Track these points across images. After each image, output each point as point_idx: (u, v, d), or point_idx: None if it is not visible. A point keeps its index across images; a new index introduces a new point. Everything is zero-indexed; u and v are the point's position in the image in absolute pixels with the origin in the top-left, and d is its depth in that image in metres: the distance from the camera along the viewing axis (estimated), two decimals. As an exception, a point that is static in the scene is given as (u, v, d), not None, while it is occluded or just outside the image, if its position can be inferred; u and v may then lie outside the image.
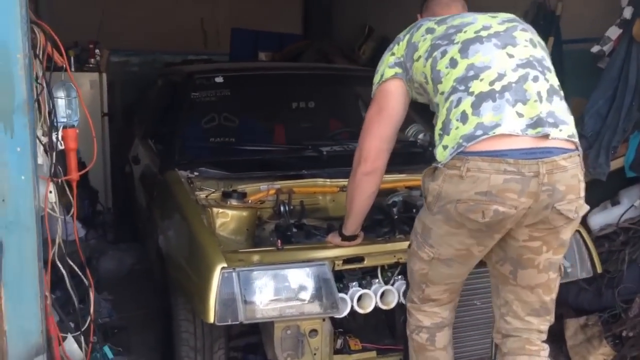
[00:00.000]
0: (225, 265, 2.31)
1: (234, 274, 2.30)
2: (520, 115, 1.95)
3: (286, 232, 2.66)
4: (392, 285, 2.54)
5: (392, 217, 2.77)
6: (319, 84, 4.05)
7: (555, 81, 2.09)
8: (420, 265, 2.23)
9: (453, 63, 2.06)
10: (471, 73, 2.02)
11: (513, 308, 2.20)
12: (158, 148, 3.70)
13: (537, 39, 2.17)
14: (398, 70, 2.24)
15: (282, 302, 2.35)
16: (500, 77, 1.99)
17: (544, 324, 2.22)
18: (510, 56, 2.04)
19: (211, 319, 2.27)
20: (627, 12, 3.55)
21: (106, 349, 2.49)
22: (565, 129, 1.99)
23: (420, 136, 3.64)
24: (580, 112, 3.66)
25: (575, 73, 4.02)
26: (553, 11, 4.31)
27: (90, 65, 5.53)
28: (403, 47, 2.24)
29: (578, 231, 2.75)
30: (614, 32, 3.64)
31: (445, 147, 2.01)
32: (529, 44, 2.10)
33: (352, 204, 2.41)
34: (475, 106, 1.97)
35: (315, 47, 7.20)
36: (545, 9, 4.35)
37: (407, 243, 2.48)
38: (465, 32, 2.11)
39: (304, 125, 3.93)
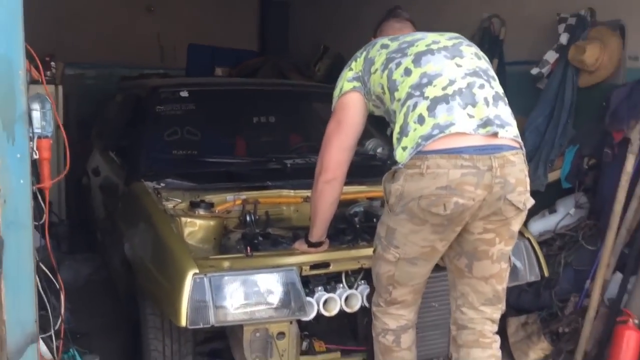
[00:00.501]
0: (197, 271, 2.39)
1: (205, 279, 2.38)
2: (470, 116, 2.12)
3: (253, 240, 2.76)
4: (356, 289, 2.66)
5: (354, 226, 2.91)
6: (280, 100, 4.17)
7: (499, 89, 2.27)
8: (386, 267, 2.34)
9: (407, 72, 2.22)
10: (425, 80, 2.19)
11: (469, 299, 2.34)
12: (122, 160, 3.74)
13: (481, 53, 2.36)
14: (356, 84, 2.39)
15: (252, 306, 2.44)
16: (451, 83, 2.17)
17: (496, 312, 2.37)
18: (459, 66, 2.23)
19: (183, 323, 2.34)
20: (564, 38, 3.82)
21: (74, 351, 2.52)
22: (510, 130, 2.17)
23: (379, 150, 3.83)
24: (521, 129, 3.88)
25: (517, 93, 4.25)
26: (497, 35, 4.58)
27: (46, 78, 5.48)
28: (360, 62, 2.40)
29: (527, 238, 2.96)
30: (551, 56, 3.90)
31: (404, 149, 2.15)
32: (474, 56, 2.30)
33: (316, 211, 2.54)
34: (431, 109, 2.13)
35: (272, 64, 7.33)
36: (490, 33, 4.62)
37: (369, 249, 2.63)
38: (417, 45, 2.29)
39: (266, 139, 4.04)
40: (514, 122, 2.23)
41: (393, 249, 2.29)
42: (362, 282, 2.69)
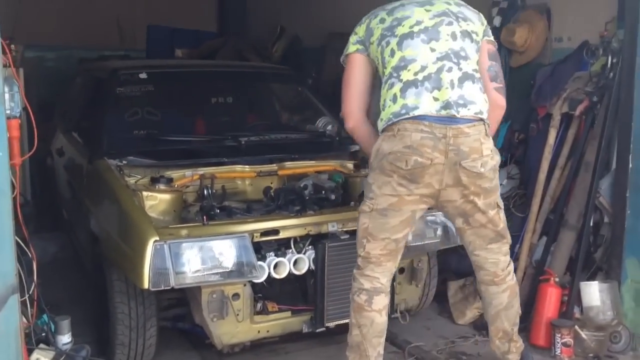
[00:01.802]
0: (157, 238, 2.64)
1: (165, 245, 2.63)
2: (436, 99, 2.50)
3: (210, 211, 3.00)
4: (304, 254, 2.95)
5: (303, 197, 3.18)
6: (236, 81, 4.38)
7: (468, 68, 2.58)
8: (362, 220, 2.64)
9: (392, 53, 2.59)
10: (402, 64, 2.55)
11: (477, 244, 2.72)
12: (85, 140, 3.92)
13: (460, 29, 2.61)
14: (359, 47, 2.73)
15: (208, 269, 2.70)
16: (423, 69, 2.53)
17: (504, 245, 2.76)
18: (432, 50, 2.56)
19: (146, 285, 2.59)
20: (497, 21, 4.12)
21: (47, 317, 2.74)
22: (472, 108, 2.52)
23: (329, 127, 4.09)
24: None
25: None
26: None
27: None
28: (363, 28, 2.73)
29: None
30: (486, 38, 4.19)
31: (381, 120, 2.59)
32: (449, 37, 2.59)
33: (362, 141, 2.84)
34: (403, 91, 2.52)
35: (231, 45, 7.48)
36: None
37: (316, 217, 2.95)
38: (403, 26, 2.60)
39: (223, 118, 4.26)
40: (478, 99, 2.56)
41: (368, 200, 2.63)
42: (309, 247, 2.97)
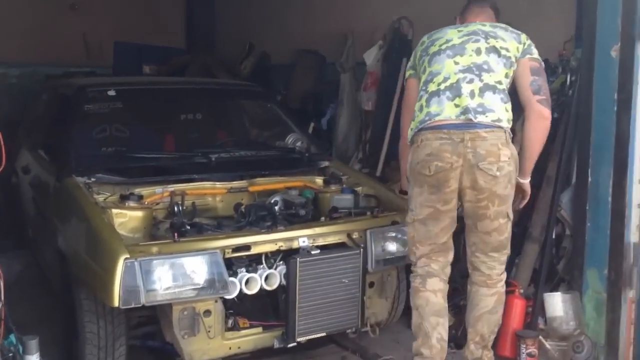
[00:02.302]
0: (128, 255, 2.63)
1: (135, 263, 2.63)
2: (457, 106, 2.77)
3: (180, 228, 3.01)
4: (275, 269, 2.97)
5: (274, 213, 3.21)
6: (206, 98, 4.41)
7: (491, 79, 2.80)
8: (409, 230, 2.95)
9: (424, 70, 2.95)
10: (429, 78, 2.90)
11: (480, 247, 2.93)
12: (52, 157, 3.89)
13: (486, 45, 2.84)
14: (412, 71, 3.11)
15: (179, 286, 2.71)
16: (445, 80, 2.83)
17: (503, 256, 2.96)
18: (456, 63, 2.84)
19: (116, 303, 2.58)
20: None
21: (13, 337, 2.69)
22: (490, 115, 2.75)
23: (298, 144, 4.14)
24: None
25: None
26: (406, 36, 4.98)
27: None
28: (413, 56, 3.10)
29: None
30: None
31: (411, 129, 2.90)
32: (474, 53, 2.84)
33: (401, 167, 3.20)
34: (427, 100, 2.84)
35: (199, 62, 7.51)
36: (400, 34, 5.03)
37: (287, 233, 2.98)
38: (435, 45, 2.95)
39: (193, 135, 4.28)
40: (498, 108, 2.77)
41: (410, 212, 2.94)
42: (280, 262, 3.00)
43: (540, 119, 2.84)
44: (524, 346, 3.27)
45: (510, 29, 2.95)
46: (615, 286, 3.21)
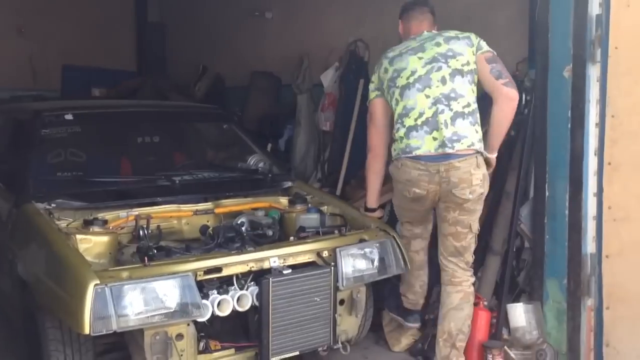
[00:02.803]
0: (98, 281, 2.57)
1: (106, 289, 2.57)
2: (435, 139, 3.12)
3: (147, 252, 2.96)
4: (247, 290, 2.95)
5: (242, 234, 3.20)
6: (167, 120, 4.37)
7: (459, 107, 3.12)
8: (402, 229, 3.55)
9: (396, 102, 3.26)
10: (404, 112, 3.21)
11: (441, 250, 3.34)
12: (6, 183, 3.76)
13: (449, 71, 3.14)
14: (377, 92, 3.40)
15: (152, 311, 2.65)
16: (421, 115, 3.16)
17: (460, 262, 3.32)
18: (427, 97, 3.16)
19: (87, 331, 2.51)
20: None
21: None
22: (465, 142, 3.10)
23: (260, 165, 4.15)
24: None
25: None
26: (362, 57, 5.09)
27: None
28: (377, 77, 3.38)
29: (392, 236, 3.39)
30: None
31: (394, 150, 3.28)
32: (440, 83, 3.15)
33: (369, 182, 3.55)
34: (406, 134, 3.20)
35: (150, 84, 7.44)
36: (356, 56, 5.13)
37: (256, 254, 2.99)
38: (401, 77, 3.22)
39: (154, 158, 4.22)
40: (469, 133, 3.12)
41: (404, 220, 3.53)
42: (252, 283, 2.98)
43: (508, 101, 3.11)
44: (490, 356, 3.35)
45: (460, 34, 3.24)
46: (574, 295, 3.33)
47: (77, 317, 2.54)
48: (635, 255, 3.22)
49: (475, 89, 3.19)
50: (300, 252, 3.14)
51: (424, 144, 3.11)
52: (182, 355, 2.82)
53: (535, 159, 3.56)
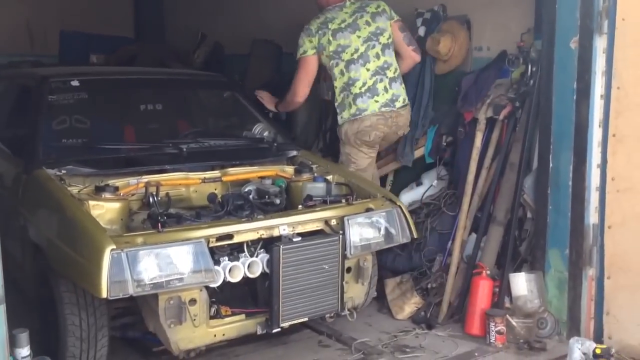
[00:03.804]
0: (115, 247, 2.62)
1: (122, 254, 2.62)
2: (377, 101, 3.96)
3: (158, 219, 3.00)
4: (257, 257, 3.01)
5: (250, 202, 3.23)
6: (173, 88, 4.36)
7: (390, 74, 4.00)
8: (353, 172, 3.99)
9: (341, 73, 4.00)
10: (350, 82, 3.98)
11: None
12: (14, 150, 3.77)
13: (380, 47, 3.99)
14: (315, 51, 4.03)
15: (166, 276, 2.71)
16: (364, 84, 3.95)
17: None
18: (367, 70, 3.97)
19: (104, 295, 2.57)
20: (421, 31, 4.35)
21: None
22: (400, 100, 4.03)
23: (265, 133, 4.17)
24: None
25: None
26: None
27: None
28: (317, 40, 4.01)
29: (399, 206, 3.44)
30: (412, 46, 4.44)
31: (342, 117, 4.02)
32: (375, 58, 3.97)
33: (286, 107, 4.36)
34: (354, 100, 3.96)
35: (149, 51, 7.36)
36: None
37: (266, 221, 3.03)
38: (346, 53, 3.96)
39: (160, 125, 4.22)
40: (402, 92, 4.06)
41: (352, 164, 4.05)
42: (262, 250, 3.04)
43: (413, 62, 4.17)
44: (493, 324, 3.44)
45: (377, 7, 4.05)
46: (576, 265, 3.41)
47: (94, 281, 2.59)
48: (638, 225, 3.29)
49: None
50: (309, 220, 3.19)
51: (369, 107, 3.94)
52: (194, 319, 2.88)
53: (540, 130, 3.60)
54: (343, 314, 3.29)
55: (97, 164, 3.35)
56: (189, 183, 3.42)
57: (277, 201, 3.36)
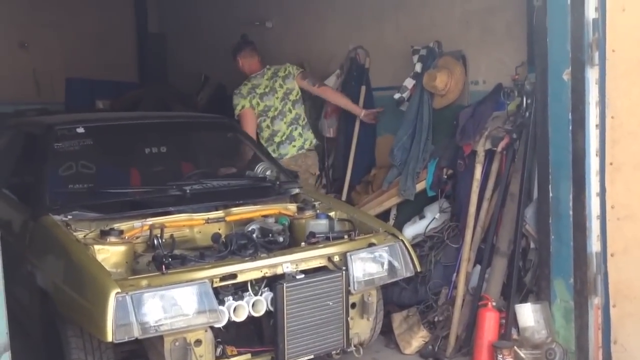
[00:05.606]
0: (119, 290, 2.65)
1: (127, 297, 2.65)
2: (294, 146, 4.96)
3: (163, 260, 3.03)
4: (261, 295, 3.03)
5: (254, 241, 3.27)
6: (177, 131, 4.46)
7: (301, 122, 5.04)
8: None
9: (267, 127, 4.94)
10: (273, 133, 4.93)
11: None
12: (20, 197, 3.84)
13: (290, 103, 5.01)
14: (249, 105, 4.90)
15: (171, 317, 2.74)
16: (284, 134, 4.94)
17: None
18: (285, 123, 4.94)
19: (109, 338, 2.59)
20: (418, 67, 4.46)
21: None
22: (308, 143, 5.04)
23: (268, 172, 4.22)
24: (390, 146, 4.54)
25: (384, 115, 4.93)
26: (363, 64, 5.17)
27: None
28: (248, 102, 4.91)
29: (401, 240, 3.47)
30: (409, 82, 4.53)
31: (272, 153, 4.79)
32: (288, 112, 4.96)
33: None
34: (277, 146, 4.93)
35: (153, 94, 7.50)
36: (357, 62, 5.22)
37: (269, 260, 3.06)
38: (271, 111, 4.91)
39: (165, 168, 4.30)
40: (311, 136, 5.08)
41: None
42: (266, 289, 3.06)
43: (329, 93, 5.09)
44: (501, 356, 3.42)
45: (284, 71, 5.03)
46: (581, 294, 3.41)
47: (100, 324, 2.62)
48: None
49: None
50: (312, 257, 3.22)
51: (289, 151, 4.92)
52: (200, 360, 2.89)
53: (538, 161, 3.63)
54: (349, 350, 3.29)
55: (102, 208, 3.41)
56: (193, 224, 3.47)
57: (281, 239, 3.39)
